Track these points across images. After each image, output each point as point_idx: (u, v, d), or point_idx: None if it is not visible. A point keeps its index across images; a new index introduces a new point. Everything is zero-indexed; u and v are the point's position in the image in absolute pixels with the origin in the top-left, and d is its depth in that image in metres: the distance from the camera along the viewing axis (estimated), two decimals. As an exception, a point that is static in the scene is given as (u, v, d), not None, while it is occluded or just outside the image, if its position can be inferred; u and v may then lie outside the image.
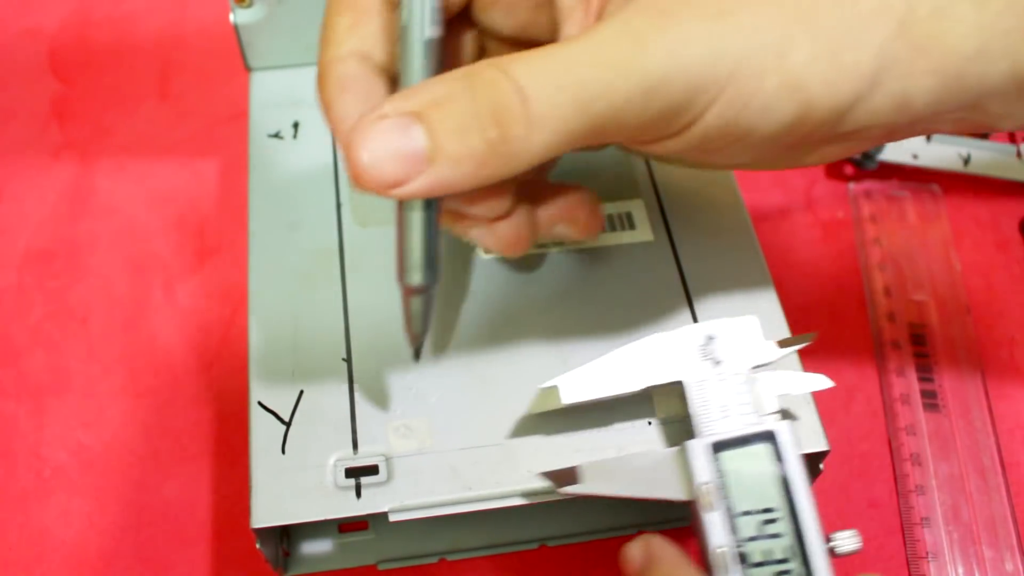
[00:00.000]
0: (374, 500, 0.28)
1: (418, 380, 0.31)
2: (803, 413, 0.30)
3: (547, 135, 0.22)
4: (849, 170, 0.43)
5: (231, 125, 0.43)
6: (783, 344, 0.28)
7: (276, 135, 0.37)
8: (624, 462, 0.27)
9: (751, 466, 0.26)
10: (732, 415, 0.27)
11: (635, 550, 0.26)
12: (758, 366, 0.28)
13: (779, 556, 0.26)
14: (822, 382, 0.29)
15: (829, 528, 0.26)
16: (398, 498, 0.28)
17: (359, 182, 0.23)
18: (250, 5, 0.37)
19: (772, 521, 0.26)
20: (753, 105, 0.23)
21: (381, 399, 0.30)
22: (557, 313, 0.32)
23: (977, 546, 0.33)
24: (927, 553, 0.33)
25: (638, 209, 0.35)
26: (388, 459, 0.29)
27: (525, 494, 0.28)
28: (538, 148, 0.22)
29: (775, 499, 0.26)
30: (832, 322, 0.39)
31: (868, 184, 0.43)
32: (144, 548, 0.33)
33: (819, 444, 0.30)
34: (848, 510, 0.34)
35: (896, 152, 0.42)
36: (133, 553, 0.33)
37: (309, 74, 0.39)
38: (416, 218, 0.25)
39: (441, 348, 0.31)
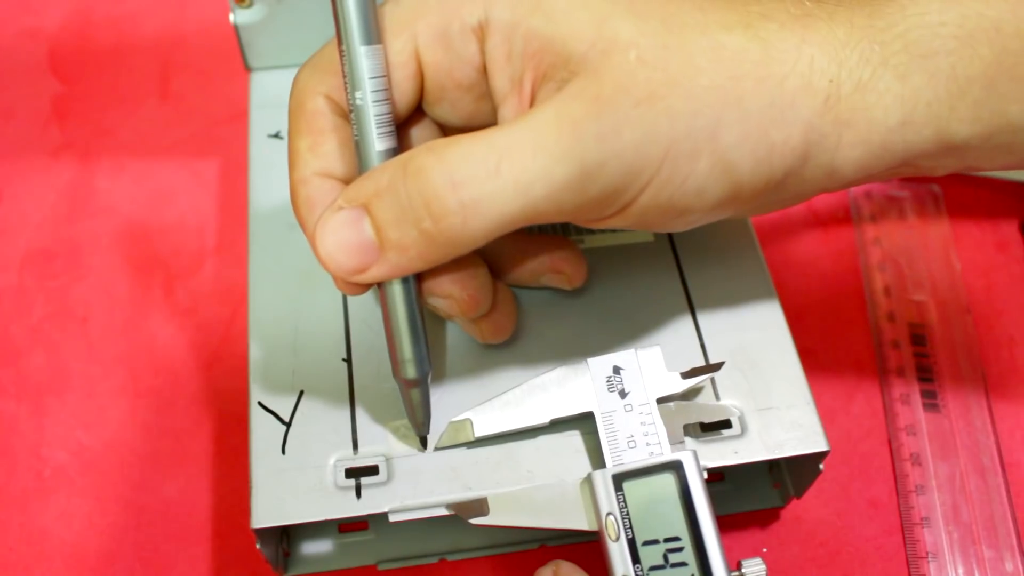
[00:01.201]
0: (374, 500, 0.28)
1: (418, 380, 0.31)
2: (803, 413, 0.30)
3: (483, 221, 0.23)
4: (849, 170, 0.43)
5: (231, 125, 0.43)
6: (687, 375, 0.29)
7: (276, 135, 0.37)
8: (532, 493, 0.28)
9: (654, 496, 0.26)
10: (638, 445, 0.27)
11: (545, 573, 0.26)
12: (663, 397, 0.28)
13: None
14: (730, 411, 0.29)
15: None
16: (398, 498, 0.28)
17: (327, 270, 0.25)
18: (250, 5, 0.37)
19: (677, 550, 0.26)
20: (687, 186, 0.24)
21: (381, 399, 0.30)
22: (557, 313, 0.32)
23: (977, 546, 0.33)
24: (927, 553, 0.33)
25: (638, 209, 0.35)
26: (388, 459, 0.29)
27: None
28: (477, 233, 0.23)
29: (679, 528, 0.26)
30: (832, 322, 0.39)
31: (868, 184, 0.43)
32: (144, 548, 0.33)
33: (819, 444, 0.29)
34: (848, 510, 0.34)
35: (896, 152, 0.42)
36: (133, 553, 0.33)
37: (309, 74, 0.39)
38: (399, 311, 0.26)
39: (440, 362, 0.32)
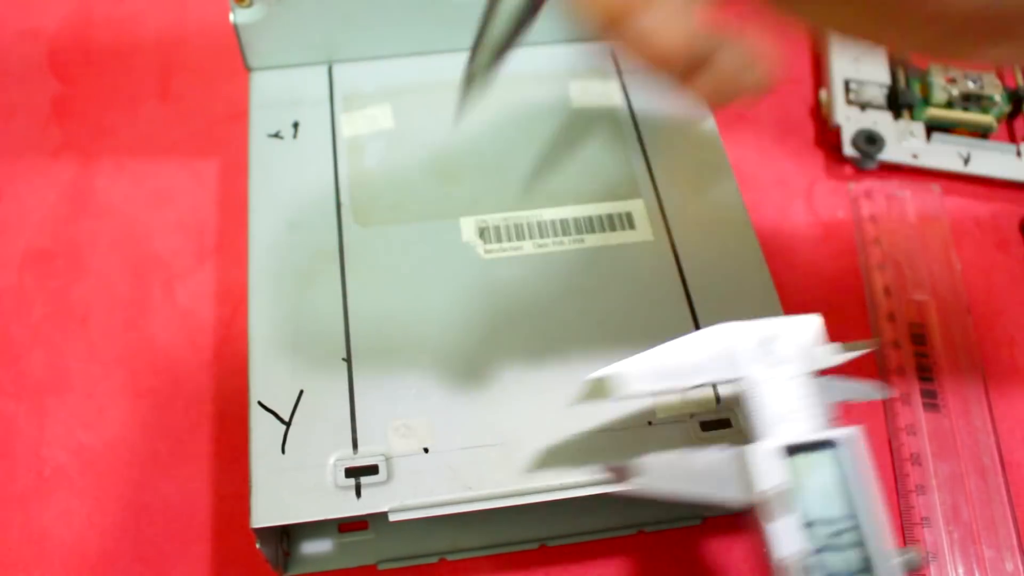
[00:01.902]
0: (374, 500, 0.28)
1: (418, 380, 0.31)
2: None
3: None
4: (849, 170, 0.43)
5: (231, 125, 0.43)
6: (848, 348, 0.27)
7: (276, 135, 0.37)
8: (684, 459, 0.25)
9: (820, 474, 0.24)
10: (798, 420, 0.25)
11: None
12: (818, 370, 0.26)
13: (848, 569, 0.24)
14: (879, 392, 0.27)
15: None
16: (398, 498, 0.28)
17: None
18: (250, 5, 0.37)
19: (841, 532, 0.24)
20: None
21: (381, 399, 0.30)
22: (557, 313, 0.32)
23: (977, 546, 0.33)
24: (927, 553, 0.33)
25: (638, 209, 0.35)
26: (388, 459, 0.29)
27: (525, 494, 0.28)
28: None
29: (845, 509, 0.24)
30: (832, 322, 0.39)
31: (868, 184, 0.43)
32: (144, 548, 0.33)
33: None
34: (848, 510, 0.34)
35: (896, 152, 0.42)
36: (133, 553, 0.33)
37: (309, 74, 0.39)
38: None
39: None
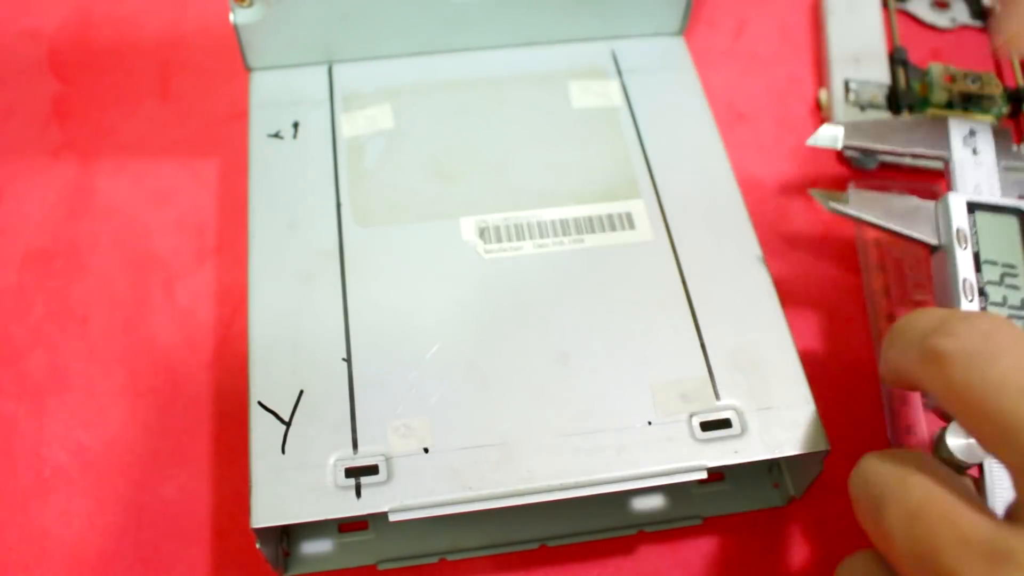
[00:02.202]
0: (374, 500, 0.28)
1: (418, 380, 0.31)
2: (803, 413, 0.30)
3: None
4: (848, 170, 0.43)
5: (231, 125, 0.43)
6: None
7: (276, 135, 0.37)
8: (888, 200, 0.33)
9: (999, 229, 0.31)
10: (984, 192, 0.32)
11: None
12: (1010, 167, 0.33)
13: (1014, 304, 0.30)
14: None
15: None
16: (398, 498, 0.28)
17: None
18: (250, 5, 0.37)
19: (1012, 275, 0.30)
20: None
21: (381, 399, 0.30)
22: (557, 313, 0.32)
23: (977, 546, 0.33)
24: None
25: (638, 209, 0.35)
26: (388, 459, 0.29)
27: (525, 494, 0.28)
28: None
29: (1017, 259, 0.30)
30: (832, 322, 0.39)
31: (868, 184, 0.43)
32: (144, 548, 0.33)
33: (819, 444, 0.30)
34: (848, 510, 0.34)
35: (896, 152, 0.42)
36: (133, 553, 0.33)
37: (309, 74, 0.39)
38: None
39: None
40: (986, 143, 0.33)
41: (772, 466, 0.34)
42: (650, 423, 0.30)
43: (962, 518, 0.21)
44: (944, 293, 0.31)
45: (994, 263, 0.30)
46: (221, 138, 0.43)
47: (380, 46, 0.39)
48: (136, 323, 0.38)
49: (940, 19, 0.49)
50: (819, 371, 0.37)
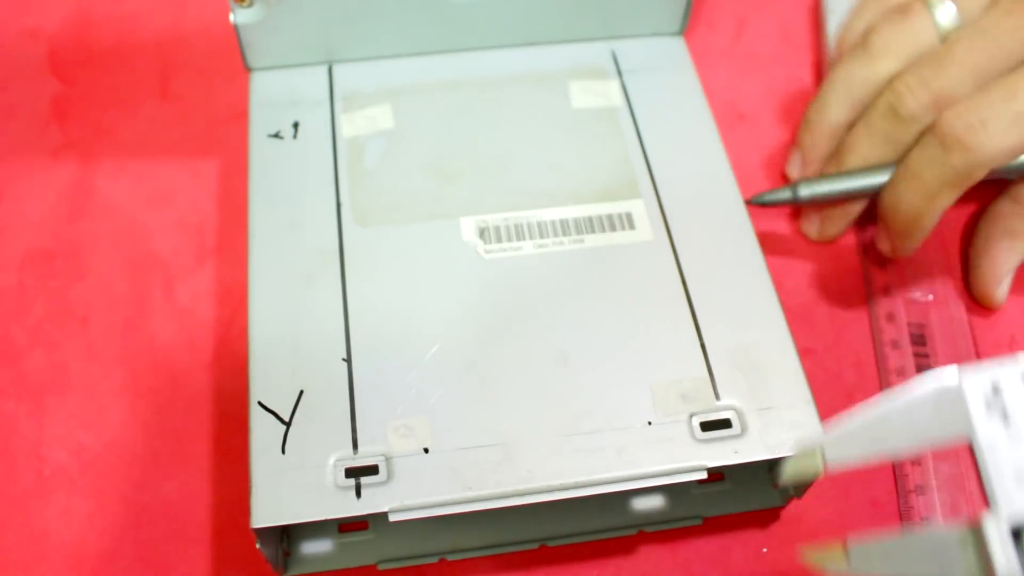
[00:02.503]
0: (374, 500, 0.28)
1: (418, 380, 0.31)
2: (803, 413, 0.30)
3: None
4: (849, 170, 0.43)
5: (231, 125, 0.43)
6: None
7: (276, 135, 0.37)
8: (900, 545, 0.22)
9: None
10: None
11: None
12: None
13: None
14: None
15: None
16: (398, 498, 0.28)
17: None
18: (250, 5, 0.37)
19: None
20: None
21: (381, 399, 0.30)
22: (557, 313, 0.32)
23: (977, 546, 0.33)
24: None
25: (638, 209, 0.35)
26: (388, 459, 0.29)
27: (525, 494, 0.28)
28: None
29: None
30: (832, 322, 0.39)
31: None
32: (144, 548, 0.33)
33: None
34: (848, 510, 0.34)
35: (896, 152, 0.42)
36: (133, 553, 0.33)
37: (309, 74, 0.39)
38: None
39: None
40: (1019, 395, 0.21)
41: (772, 466, 0.34)
42: (650, 423, 0.30)
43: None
44: None
45: None
46: (221, 138, 0.43)
47: (380, 46, 0.39)
48: (136, 323, 0.38)
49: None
50: (819, 371, 0.37)
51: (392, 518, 0.28)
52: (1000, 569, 0.19)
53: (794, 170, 0.40)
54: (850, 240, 0.41)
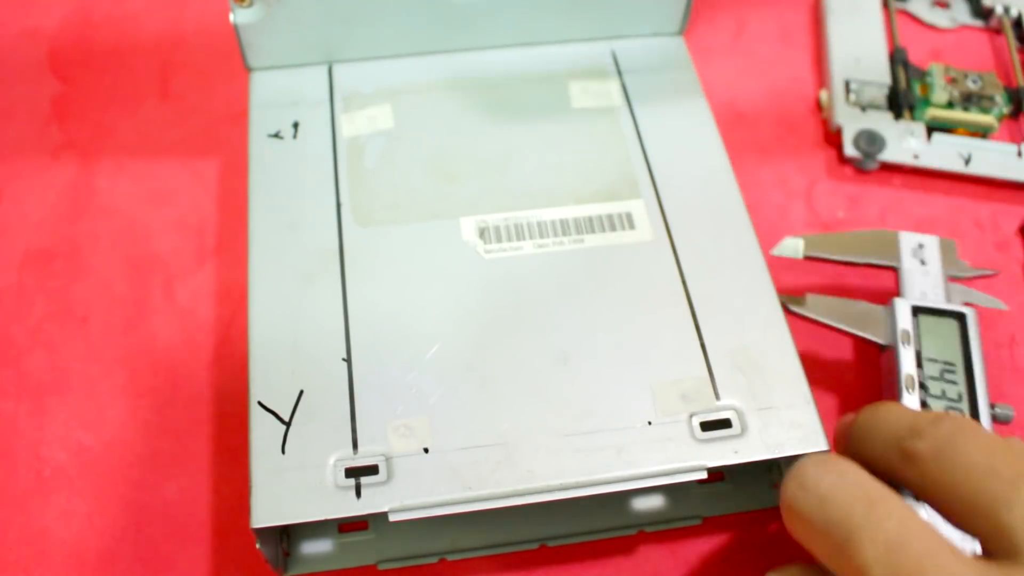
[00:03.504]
0: (374, 500, 0.28)
1: (418, 380, 0.31)
2: (803, 413, 0.30)
3: None
4: (849, 171, 0.43)
5: (231, 125, 0.43)
6: (974, 267, 0.38)
7: (276, 135, 0.37)
8: (843, 304, 0.37)
9: (940, 331, 0.35)
10: (929, 299, 0.36)
11: None
12: (954, 277, 0.37)
13: (952, 396, 0.33)
14: (995, 303, 0.37)
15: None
16: (398, 498, 0.28)
17: None
18: (250, 5, 0.37)
19: (951, 372, 0.34)
20: None
21: (381, 399, 0.30)
22: (557, 313, 0.32)
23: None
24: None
25: (638, 209, 0.35)
26: (388, 459, 0.29)
27: (525, 494, 0.28)
28: None
29: (955, 358, 0.34)
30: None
31: (868, 184, 0.43)
32: (144, 548, 0.33)
33: (819, 444, 0.30)
34: (848, 510, 0.34)
35: (897, 152, 0.42)
36: (133, 553, 0.33)
37: (309, 74, 0.39)
38: None
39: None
40: (933, 255, 0.37)
41: (772, 466, 0.34)
42: (650, 423, 0.30)
43: (946, 557, 0.22)
44: (891, 386, 0.35)
45: (934, 360, 0.34)
46: (221, 138, 0.43)
47: (380, 46, 0.39)
48: (136, 323, 0.38)
49: (940, 19, 0.49)
50: (820, 370, 0.37)
51: (392, 518, 0.28)
52: (900, 326, 0.35)
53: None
54: (850, 240, 0.41)
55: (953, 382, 0.34)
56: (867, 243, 0.38)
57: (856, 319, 0.37)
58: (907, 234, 0.38)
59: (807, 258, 0.38)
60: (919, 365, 0.34)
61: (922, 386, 0.33)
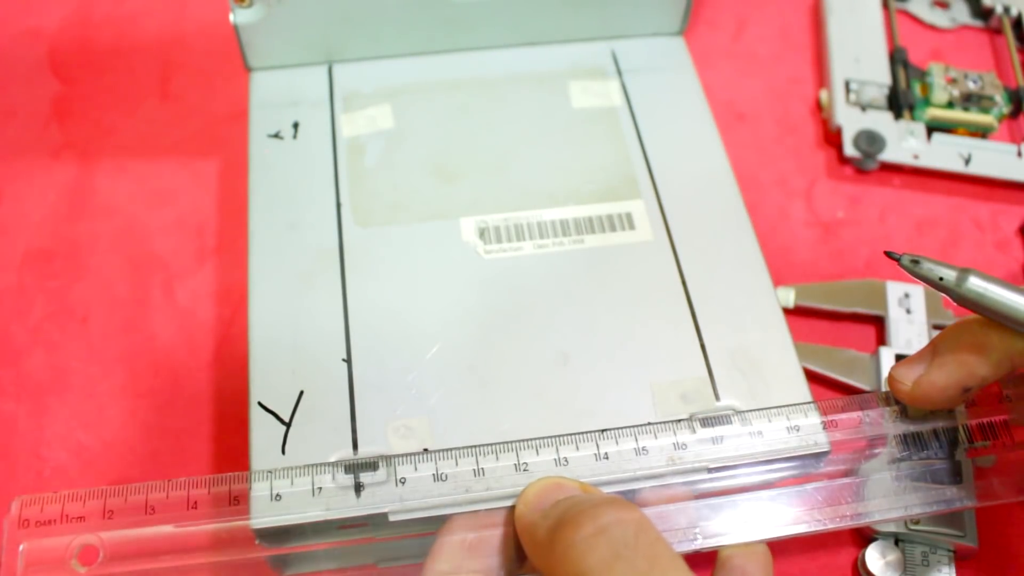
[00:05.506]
0: (374, 500, 0.28)
1: (418, 380, 0.31)
2: (803, 414, 0.30)
3: None
4: (849, 170, 0.43)
5: (231, 125, 0.43)
6: (956, 315, 0.37)
7: (276, 135, 0.37)
8: (830, 352, 0.37)
9: None
10: (914, 347, 0.36)
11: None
12: (937, 325, 0.37)
13: None
14: None
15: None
16: (398, 498, 0.28)
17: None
18: (250, 5, 0.37)
19: None
20: None
21: (381, 399, 0.30)
22: (557, 313, 0.32)
23: (977, 546, 0.33)
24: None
25: (638, 209, 0.35)
26: (388, 459, 0.29)
27: (525, 494, 0.28)
28: None
29: None
30: (832, 322, 0.39)
31: (868, 184, 0.43)
32: (144, 548, 0.33)
33: (819, 445, 0.29)
34: (848, 510, 0.34)
35: (897, 152, 0.42)
36: (133, 553, 0.33)
37: (309, 74, 0.39)
38: None
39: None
40: (919, 304, 0.38)
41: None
42: (649, 423, 0.30)
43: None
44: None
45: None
46: (221, 138, 0.43)
47: (380, 46, 0.39)
48: (136, 323, 0.38)
49: (940, 19, 0.49)
50: (819, 371, 0.37)
51: (392, 518, 0.28)
52: (884, 373, 0.35)
53: None
54: (850, 240, 0.41)
55: None
56: (855, 293, 0.38)
57: (843, 367, 0.37)
58: (894, 284, 0.38)
59: (797, 307, 0.38)
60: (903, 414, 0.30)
61: None
